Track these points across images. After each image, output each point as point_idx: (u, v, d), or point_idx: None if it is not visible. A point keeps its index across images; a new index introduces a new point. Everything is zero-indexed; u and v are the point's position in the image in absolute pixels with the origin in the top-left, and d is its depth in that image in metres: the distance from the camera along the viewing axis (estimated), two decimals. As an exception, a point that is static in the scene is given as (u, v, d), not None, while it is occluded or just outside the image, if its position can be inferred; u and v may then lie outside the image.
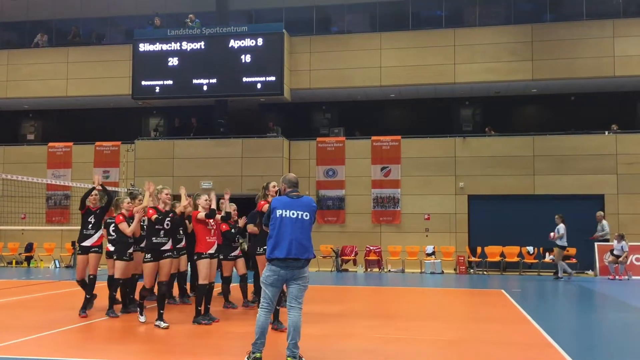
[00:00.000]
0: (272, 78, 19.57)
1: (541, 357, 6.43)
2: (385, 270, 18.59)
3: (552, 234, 16.46)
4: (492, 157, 19.34)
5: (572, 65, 19.27)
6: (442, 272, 18.28)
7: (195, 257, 8.39)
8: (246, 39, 19.68)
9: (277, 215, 5.79)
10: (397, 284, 15.30)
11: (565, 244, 16.50)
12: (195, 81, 19.86)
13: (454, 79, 20.03)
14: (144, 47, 20.24)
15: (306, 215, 5.80)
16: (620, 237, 16.61)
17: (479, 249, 18.83)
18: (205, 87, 19.88)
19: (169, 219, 8.11)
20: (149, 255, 8.02)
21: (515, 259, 18.43)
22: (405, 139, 19.99)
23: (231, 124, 21.21)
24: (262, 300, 5.81)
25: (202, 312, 8.36)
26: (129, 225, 8.72)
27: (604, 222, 17.41)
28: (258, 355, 5.66)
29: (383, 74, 20.29)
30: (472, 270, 18.49)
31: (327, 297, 11.85)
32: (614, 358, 6.59)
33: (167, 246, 8.10)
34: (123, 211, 8.93)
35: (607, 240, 17.22)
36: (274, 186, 8.08)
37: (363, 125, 21.51)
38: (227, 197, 8.69)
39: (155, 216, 7.99)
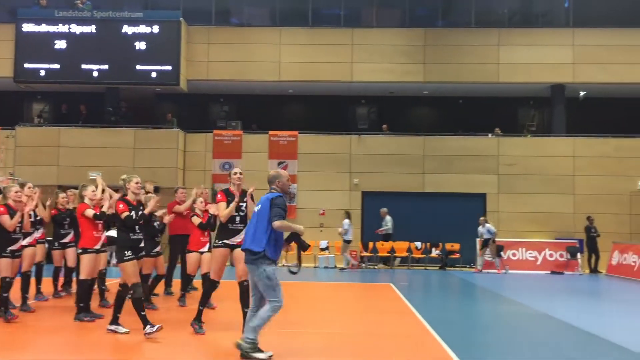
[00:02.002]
0: (168, 67, 19.02)
1: (421, 346, 6.71)
2: (279, 264, 18.63)
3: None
4: (386, 155, 19.93)
5: (461, 70, 20.24)
6: (336, 266, 18.62)
7: (80, 252, 7.98)
8: (141, 26, 18.98)
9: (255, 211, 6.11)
10: (290, 278, 15.38)
11: (350, 238, 17.41)
12: (84, 66, 18.88)
13: (351, 78, 20.42)
14: (28, 27, 18.97)
15: (257, 208, 6.04)
16: (484, 222, 17.64)
17: (370, 244, 19.36)
18: (95, 74, 18.96)
19: (140, 212, 7.22)
20: (129, 253, 6.98)
21: (405, 254, 19.12)
22: (303, 135, 20.14)
23: (124, 113, 20.38)
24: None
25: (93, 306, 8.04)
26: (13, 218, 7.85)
27: (388, 217, 18.38)
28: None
29: (282, 69, 20.31)
30: (363, 265, 18.98)
31: (219, 292, 11.68)
32: (488, 347, 7.00)
33: (143, 243, 7.28)
34: (10, 202, 7.97)
35: (389, 235, 18.41)
36: (235, 173, 7.39)
37: (261, 119, 21.43)
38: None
39: (126, 214, 7.03)
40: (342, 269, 17.47)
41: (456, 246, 19.18)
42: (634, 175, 19.37)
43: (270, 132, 20.11)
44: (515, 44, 20.34)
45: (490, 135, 20.25)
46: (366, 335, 7.37)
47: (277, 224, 5.78)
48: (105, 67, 18.98)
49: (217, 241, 7.12)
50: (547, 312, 9.56)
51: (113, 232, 8.34)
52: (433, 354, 6.31)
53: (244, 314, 6.52)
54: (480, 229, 17.86)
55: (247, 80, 20.42)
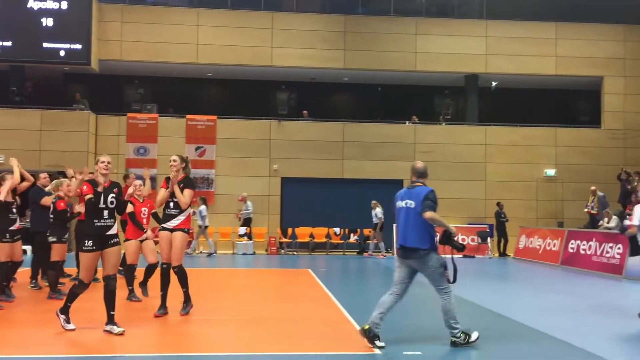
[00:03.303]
0: (78, 46, 18.10)
1: (338, 332, 6.72)
2: (196, 251, 18.28)
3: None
4: (306, 141, 19.91)
5: (380, 58, 20.49)
6: (254, 253, 18.48)
7: None
8: (48, 1, 17.91)
9: (398, 207, 6.20)
10: (207, 265, 15.11)
11: (207, 224, 17.38)
12: (-15, 42, 17.64)
13: (271, 62, 20.22)
14: None
15: (411, 204, 5.95)
16: (375, 206, 17.95)
17: (290, 230, 19.35)
18: (-3, 50, 17.75)
19: (113, 195, 6.48)
20: (89, 243, 6.33)
21: (324, 240, 19.24)
22: (221, 120, 19.77)
23: (30, 93, 19.22)
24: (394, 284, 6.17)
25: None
26: None
27: (248, 202, 18.47)
28: (366, 326, 5.88)
29: (200, 52, 19.81)
30: (282, 251, 18.95)
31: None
32: (403, 330, 7.11)
33: (113, 230, 6.49)
34: None
35: (249, 220, 18.50)
36: (175, 160, 7.35)
37: (178, 102, 20.84)
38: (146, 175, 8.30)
39: (89, 196, 6.34)
40: (209, 254, 17.39)
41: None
42: (541, 163, 20.38)
43: (188, 116, 19.60)
44: (432, 34, 20.80)
45: (407, 122, 20.66)
46: (282, 321, 7.31)
47: (428, 214, 5.82)
48: (9, 43, 17.84)
49: (160, 225, 7.51)
50: (459, 294, 9.86)
51: None
52: (350, 338, 6.33)
53: (184, 293, 7.40)
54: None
55: (163, 62, 19.79)
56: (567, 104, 22.81)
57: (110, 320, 6.31)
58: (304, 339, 6.28)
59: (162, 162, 18.90)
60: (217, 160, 19.43)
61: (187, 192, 7.28)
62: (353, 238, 19.44)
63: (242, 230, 18.64)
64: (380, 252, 18.16)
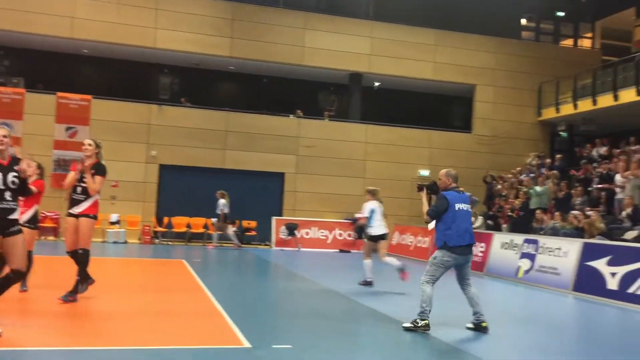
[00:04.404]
0: None
1: (209, 325, 6.53)
2: (62, 238, 17.14)
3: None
4: (187, 128, 19.33)
5: (267, 49, 20.34)
6: (126, 241, 17.66)
7: None
8: None
9: (456, 209, 6.64)
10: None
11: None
12: None
13: (154, 44, 19.40)
14: None
15: (469, 208, 6.88)
16: (221, 195, 17.49)
17: (166, 219, 18.71)
18: None
19: (15, 174, 5.48)
20: None
21: (201, 230, 18.80)
22: (97, 100, 18.68)
23: None
24: (428, 276, 6.65)
25: None
26: None
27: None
28: (427, 321, 6.54)
29: (75, 26, 18.55)
30: (157, 240, 18.28)
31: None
32: (273, 321, 7.05)
33: (15, 214, 5.52)
34: None
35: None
36: (90, 145, 7.31)
37: (49, 78, 19.42)
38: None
39: None
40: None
41: (253, 224, 19.37)
42: (415, 163, 21.27)
43: (59, 94, 18.32)
44: (320, 30, 20.97)
45: (291, 116, 20.70)
46: (150, 313, 6.98)
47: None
48: None
49: (67, 212, 7.30)
50: (332, 287, 10.01)
51: None
52: (219, 332, 6.16)
53: (76, 281, 7.17)
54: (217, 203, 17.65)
55: (32, 33, 18.30)
56: (442, 108, 23.98)
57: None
58: (172, 333, 6.02)
59: (27, 141, 17.50)
60: (90, 142, 18.28)
61: (98, 178, 7.16)
62: (232, 230, 19.15)
63: (114, 217, 17.76)
64: (233, 242, 17.78)
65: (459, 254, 6.65)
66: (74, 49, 19.74)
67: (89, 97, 18.56)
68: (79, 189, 7.15)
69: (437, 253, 6.72)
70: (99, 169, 7.21)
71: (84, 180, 7.12)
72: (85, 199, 7.14)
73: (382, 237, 10.21)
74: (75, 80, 20.19)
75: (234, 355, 5.23)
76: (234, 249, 17.46)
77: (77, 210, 7.15)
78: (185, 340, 5.68)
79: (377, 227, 10.14)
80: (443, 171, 7.01)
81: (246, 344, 5.56)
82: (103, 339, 5.64)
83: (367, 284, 10.21)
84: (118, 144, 18.51)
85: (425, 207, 6.94)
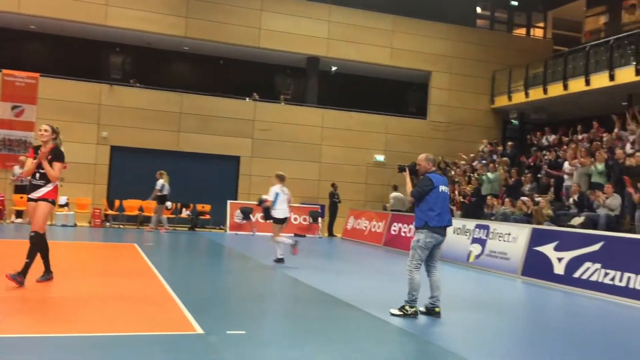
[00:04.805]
0: None
1: (161, 311, 6.41)
2: (8, 221, 16.59)
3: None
4: (140, 109, 18.91)
5: (224, 30, 20.01)
6: (75, 224, 17.21)
7: None
8: None
9: (440, 190, 6.72)
10: (20, 237, 13.74)
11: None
12: None
13: (105, 21, 18.84)
14: None
15: (448, 190, 6.96)
16: (160, 175, 16.57)
17: (117, 202, 18.31)
18: None
19: None
20: None
21: (153, 214, 18.43)
22: (45, 78, 18.07)
23: None
24: (416, 262, 6.69)
25: None
26: None
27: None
28: (416, 308, 6.70)
29: (22, 0, 17.81)
30: (108, 224, 17.88)
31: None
32: (226, 309, 6.99)
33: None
34: None
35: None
36: (46, 130, 7.25)
37: (-7, 55, 18.63)
38: None
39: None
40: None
41: (207, 207, 19.16)
42: (372, 149, 21.40)
43: (5, 71, 17.65)
44: (277, 12, 20.75)
45: (247, 99, 20.48)
46: (101, 300, 6.81)
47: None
48: None
49: (27, 196, 7.33)
50: (285, 271, 10.00)
51: None
52: (172, 318, 6.06)
53: (25, 264, 7.05)
54: (159, 183, 16.74)
55: (-24, 6, 17.50)
56: (399, 94, 24.15)
57: None
58: (122, 319, 5.88)
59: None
60: (37, 122, 17.68)
61: (56, 165, 7.16)
62: (185, 213, 18.92)
63: (63, 199, 17.26)
64: (162, 225, 17.20)
65: (439, 234, 6.75)
66: (21, 25, 18.99)
67: (36, 75, 17.92)
68: (37, 175, 7.17)
69: (419, 235, 6.74)
70: (57, 155, 7.18)
71: (42, 166, 7.10)
72: (45, 184, 7.16)
73: (283, 220, 11.12)
74: (22, 57, 19.45)
75: (186, 342, 5.14)
76: (163, 233, 16.75)
77: (36, 195, 7.17)
78: (137, 327, 5.57)
79: (280, 211, 10.99)
80: (422, 156, 7.05)
81: (199, 330, 5.48)
82: (50, 326, 5.48)
83: (280, 260, 10.92)
84: (67, 124, 17.87)
85: (409, 188, 7.00)
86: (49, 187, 7.20)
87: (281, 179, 11.07)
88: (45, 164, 7.08)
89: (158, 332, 5.44)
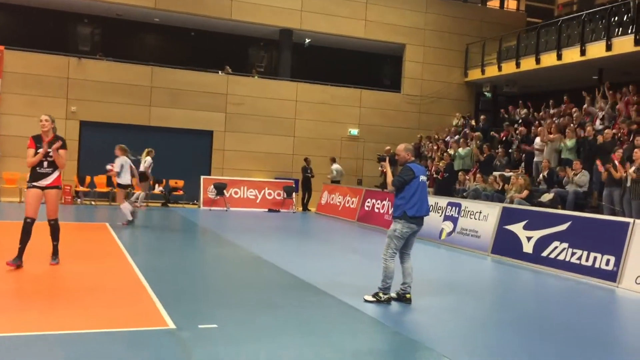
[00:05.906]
0: None
1: (131, 303, 6.35)
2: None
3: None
4: (109, 83, 18.52)
5: (195, 1, 19.58)
6: (45, 202, 16.90)
7: None
8: None
9: (420, 180, 6.75)
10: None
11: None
12: None
13: (71, -8, 18.25)
14: None
15: (426, 180, 6.98)
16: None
17: (88, 179, 18.04)
18: None
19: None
20: None
21: (141, 191, 18.20)
22: (10, 51, 17.53)
23: None
24: (391, 251, 6.76)
25: None
26: None
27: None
28: (389, 294, 6.87)
29: (-17, -31, 17.15)
30: (79, 200, 17.65)
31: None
32: (198, 303, 6.98)
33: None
34: None
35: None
36: (47, 120, 7.58)
37: (-46, 26, 17.96)
38: None
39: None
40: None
41: (180, 183, 19.01)
42: (346, 122, 21.35)
43: (-34, 44, 17.03)
44: (248, -17, 20.32)
45: (220, 72, 20.17)
46: (68, 291, 6.73)
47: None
48: None
49: (28, 183, 7.66)
50: (258, 253, 10.01)
51: None
52: (142, 311, 6.02)
53: (54, 247, 8.04)
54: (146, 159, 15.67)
55: None
56: (373, 67, 24.02)
57: None
58: (89, 314, 5.80)
59: None
60: (3, 97, 17.25)
61: (63, 152, 7.59)
62: (158, 189, 18.74)
63: (32, 177, 16.91)
64: (137, 202, 16.02)
65: (415, 224, 6.79)
66: (-18, -5, 18.31)
67: (1, 47, 17.36)
68: (45, 164, 7.54)
69: (396, 225, 6.77)
70: (63, 143, 7.63)
71: (50, 155, 7.49)
72: (53, 172, 7.59)
73: (127, 186, 12.92)
74: (-16, 28, 18.80)
75: (157, 338, 5.10)
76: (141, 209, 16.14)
77: (45, 182, 7.56)
78: (105, 323, 5.46)
79: (124, 178, 12.66)
80: (401, 146, 7.05)
81: (171, 324, 5.45)
82: (9, 324, 5.37)
83: (130, 222, 12.66)
84: (34, 99, 17.55)
85: (390, 177, 7.01)
86: (56, 174, 7.64)
87: (124, 150, 12.75)
88: (55, 154, 7.50)
89: (127, 329, 5.35)
